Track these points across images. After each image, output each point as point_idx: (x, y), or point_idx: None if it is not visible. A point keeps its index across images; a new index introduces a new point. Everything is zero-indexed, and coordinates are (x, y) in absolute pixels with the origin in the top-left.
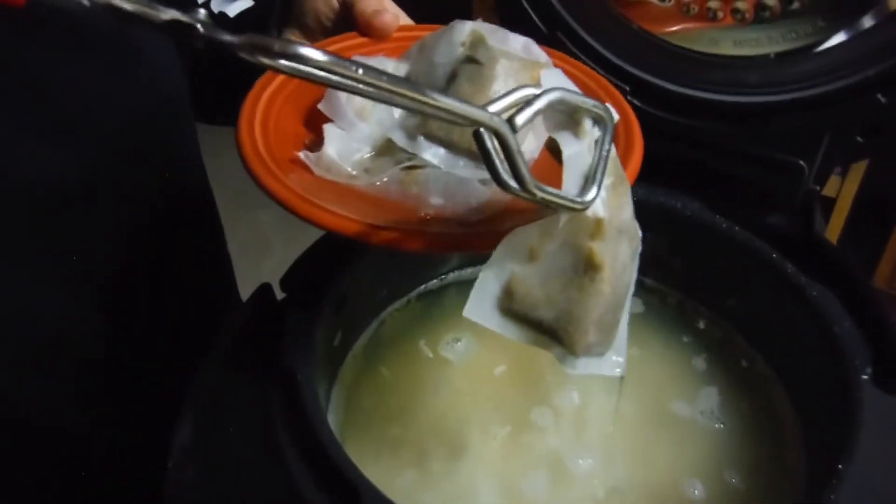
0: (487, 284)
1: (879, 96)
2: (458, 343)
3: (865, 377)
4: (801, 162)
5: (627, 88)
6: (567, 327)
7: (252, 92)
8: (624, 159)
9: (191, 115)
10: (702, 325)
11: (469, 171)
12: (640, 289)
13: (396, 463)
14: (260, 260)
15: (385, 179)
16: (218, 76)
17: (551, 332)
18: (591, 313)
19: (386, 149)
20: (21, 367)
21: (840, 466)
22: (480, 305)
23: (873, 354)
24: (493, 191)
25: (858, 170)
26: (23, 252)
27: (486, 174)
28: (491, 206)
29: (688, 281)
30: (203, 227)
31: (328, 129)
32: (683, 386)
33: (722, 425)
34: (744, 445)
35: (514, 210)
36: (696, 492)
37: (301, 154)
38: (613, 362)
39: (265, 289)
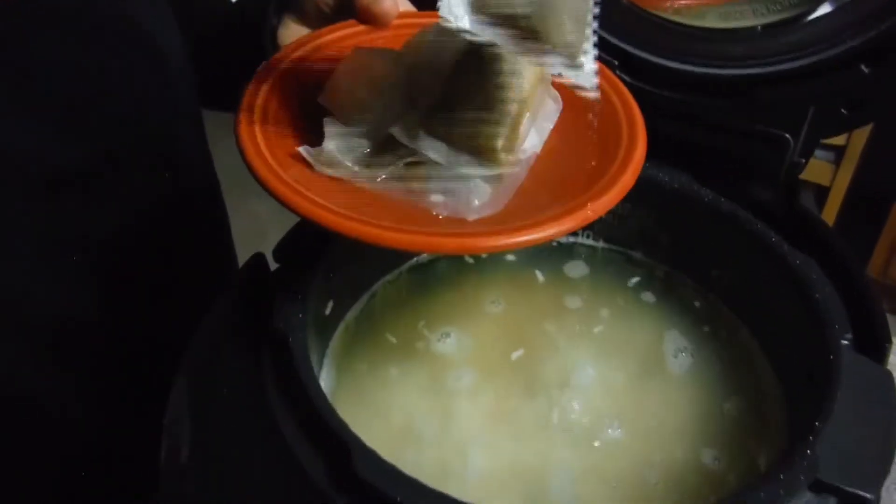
0: None
1: (863, 67)
2: (449, 320)
3: (845, 342)
4: (787, 135)
5: (616, 62)
6: (545, 18)
7: (252, 82)
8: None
9: (196, 99)
10: (688, 296)
11: (471, 169)
12: (629, 263)
13: (387, 428)
14: (256, 250)
15: (386, 175)
16: (221, 61)
17: (528, 27)
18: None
19: (387, 144)
20: (24, 351)
21: (817, 424)
22: (453, 4)
23: (853, 320)
24: (494, 189)
25: (852, 158)
26: (25, 237)
27: (487, 171)
28: (492, 204)
29: (675, 254)
30: (207, 213)
31: (328, 123)
32: (669, 355)
33: (705, 388)
34: (726, 406)
35: (516, 209)
36: (680, 453)
37: (301, 149)
38: (588, 74)
39: (258, 258)
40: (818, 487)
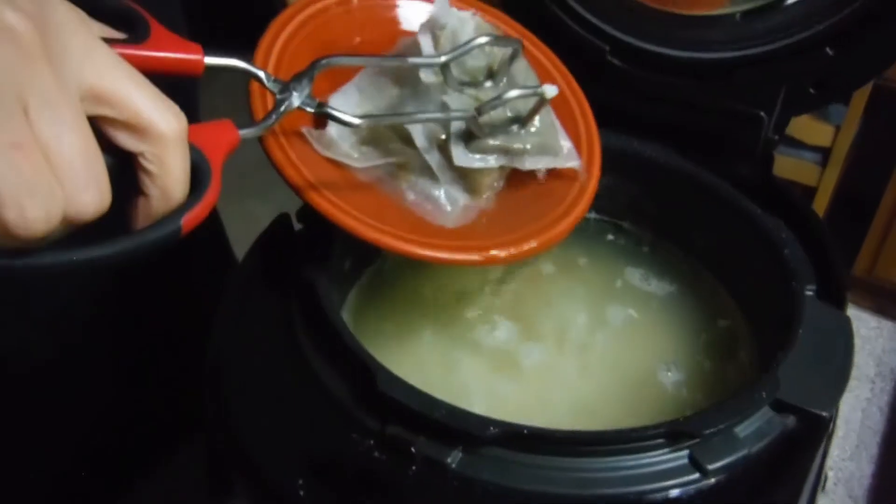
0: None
1: (828, 50)
2: (452, 280)
3: (809, 292)
4: (762, 113)
5: (607, 48)
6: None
7: (265, 39)
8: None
9: (195, 86)
10: (672, 260)
11: (453, 187)
12: (619, 232)
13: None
14: None
15: (379, 166)
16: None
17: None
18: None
19: (384, 138)
20: (43, 334)
21: (780, 353)
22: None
23: (817, 273)
24: (465, 206)
25: (838, 160)
26: None
27: (467, 197)
28: (466, 216)
29: (660, 222)
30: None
31: (334, 100)
32: (655, 309)
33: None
34: (706, 348)
35: (485, 227)
36: (669, 374)
37: (304, 129)
38: (568, 154)
39: (284, 217)
40: (779, 406)
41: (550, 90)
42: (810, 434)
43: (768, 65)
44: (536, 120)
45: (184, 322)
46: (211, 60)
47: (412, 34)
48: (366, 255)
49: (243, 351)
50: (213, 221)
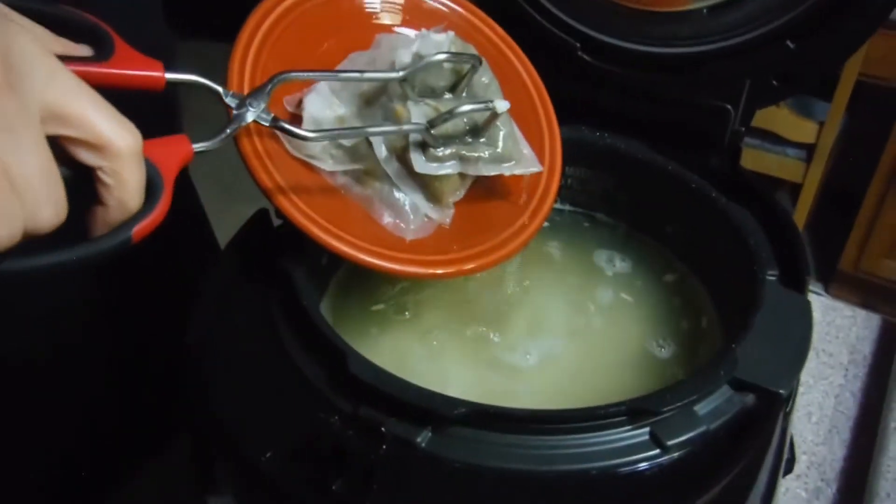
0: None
1: (789, 43)
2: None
3: (772, 277)
4: (728, 106)
5: (577, 45)
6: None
7: (249, 23)
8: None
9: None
10: (645, 250)
11: (417, 199)
12: (593, 222)
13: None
14: None
15: (346, 173)
16: None
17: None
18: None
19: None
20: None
21: (742, 332)
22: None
23: (780, 260)
24: (427, 220)
25: (822, 155)
26: None
27: (430, 209)
28: (428, 225)
29: (633, 213)
30: (188, 215)
31: (308, 108)
32: (631, 293)
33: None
34: (677, 328)
35: (445, 238)
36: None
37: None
38: (529, 158)
39: (262, 213)
40: (737, 384)
41: (501, 105)
42: (768, 411)
43: (733, 59)
44: (494, 130)
45: (174, 320)
46: (171, 76)
47: (389, 28)
48: None
49: (223, 339)
50: (202, 225)
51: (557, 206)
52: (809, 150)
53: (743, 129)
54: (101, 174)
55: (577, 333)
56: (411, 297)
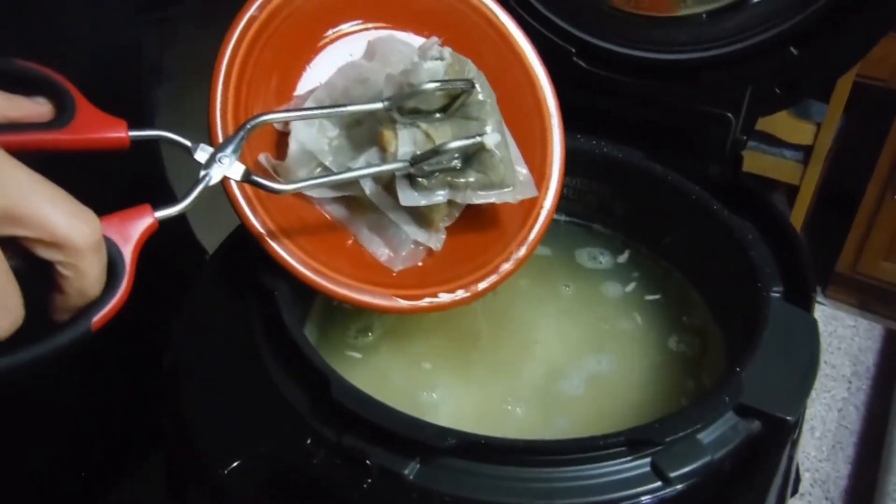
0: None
1: (792, 49)
2: None
3: (776, 294)
4: (729, 114)
5: (573, 50)
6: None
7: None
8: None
9: (150, 78)
10: (644, 262)
11: (409, 228)
12: (589, 233)
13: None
14: None
15: (337, 201)
16: None
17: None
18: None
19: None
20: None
21: (746, 354)
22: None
23: (784, 274)
24: (415, 246)
25: (819, 157)
26: None
27: (421, 236)
28: (417, 255)
29: (630, 224)
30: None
31: (295, 127)
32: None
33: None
34: (677, 347)
35: (435, 269)
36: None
37: (262, 157)
38: (525, 184)
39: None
40: (742, 411)
41: (491, 140)
42: (775, 438)
43: (734, 65)
44: (486, 156)
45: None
46: (136, 134)
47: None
48: None
49: (202, 359)
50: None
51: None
52: (807, 151)
53: (745, 137)
54: (59, 268)
55: (575, 352)
56: (402, 317)
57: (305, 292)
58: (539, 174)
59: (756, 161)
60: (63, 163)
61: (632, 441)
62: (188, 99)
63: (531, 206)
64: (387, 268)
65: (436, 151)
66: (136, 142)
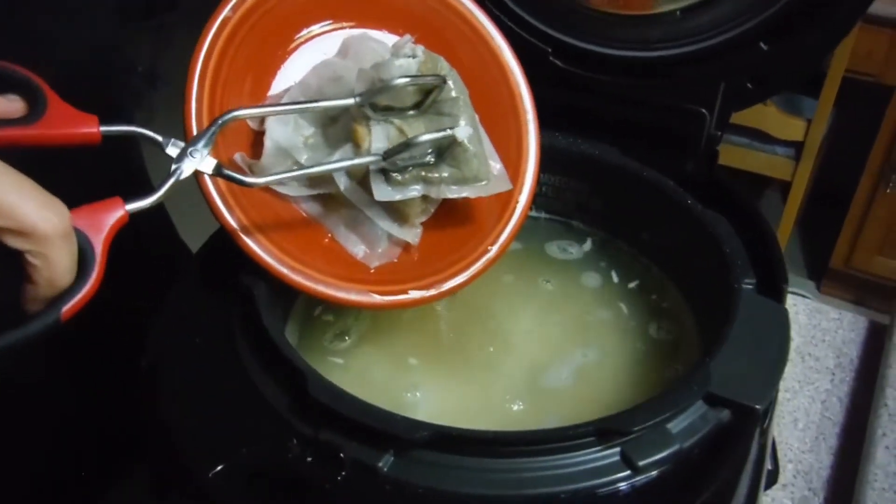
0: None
1: (762, 45)
2: None
3: (748, 285)
4: (703, 110)
5: (549, 50)
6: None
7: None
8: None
9: (128, 78)
10: (622, 257)
11: (385, 223)
12: (570, 231)
13: (346, 379)
14: None
15: (313, 198)
16: None
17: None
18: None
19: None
20: None
21: (716, 344)
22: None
23: (757, 267)
24: (391, 243)
25: (810, 153)
26: None
27: (397, 231)
28: (394, 251)
29: (608, 221)
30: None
31: (270, 125)
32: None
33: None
34: (655, 337)
35: (412, 266)
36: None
37: (237, 156)
38: (499, 178)
39: None
40: (711, 400)
41: (462, 132)
42: (744, 427)
43: (706, 61)
44: (459, 150)
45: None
46: (107, 129)
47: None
48: None
49: (181, 359)
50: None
51: (532, 213)
52: (798, 147)
53: (719, 133)
54: (28, 257)
55: (556, 344)
56: (379, 318)
57: (285, 294)
58: (514, 170)
59: (748, 158)
60: (42, 161)
61: (601, 431)
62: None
63: (506, 201)
64: (363, 265)
65: (407, 144)
66: (113, 139)
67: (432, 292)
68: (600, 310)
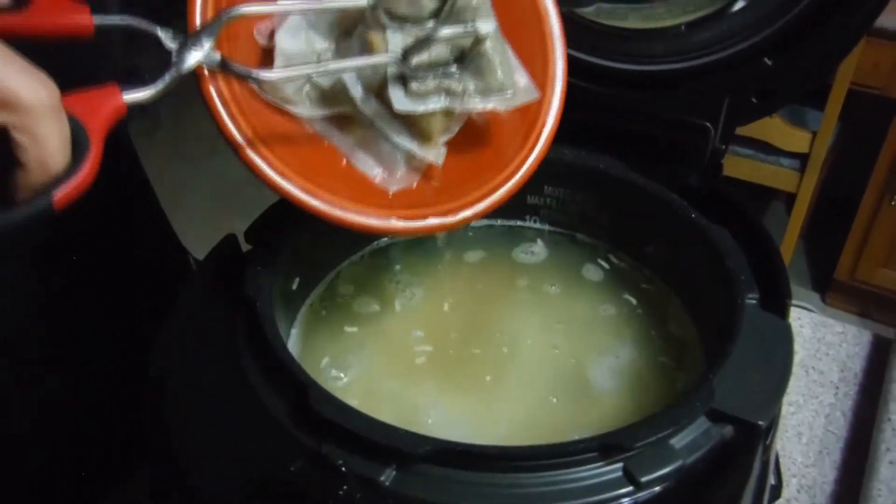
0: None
1: (766, 60)
2: (406, 292)
3: (752, 300)
4: (708, 124)
5: None
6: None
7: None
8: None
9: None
10: (627, 270)
11: (404, 141)
12: (574, 244)
13: (349, 392)
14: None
15: (327, 118)
16: None
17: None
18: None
19: (331, 89)
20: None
21: (719, 360)
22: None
23: (761, 282)
24: (409, 166)
25: (816, 164)
26: None
27: (418, 150)
28: (413, 176)
29: (614, 234)
30: (143, 212)
31: (280, 35)
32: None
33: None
34: (657, 353)
35: (434, 189)
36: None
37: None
38: (526, 87)
39: (230, 238)
40: (714, 416)
41: (484, 27)
42: (747, 443)
43: (711, 76)
44: (482, 58)
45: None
46: (101, 20)
47: None
48: (314, 274)
49: (186, 370)
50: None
51: (537, 225)
52: (803, 159)
53: (724, 146)
54: (13, 133)
55: (561, 355)
56: (387, 319)
57: (291, 299)
58: (540, 87)
59: (753, 170)
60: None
61: (603, 446)
62: (188, 110)
63: (532, 124)
64: (381, 190)
65: (427, 40)
66: (107, 33)
67: (452, 219)
68: (605, 319)
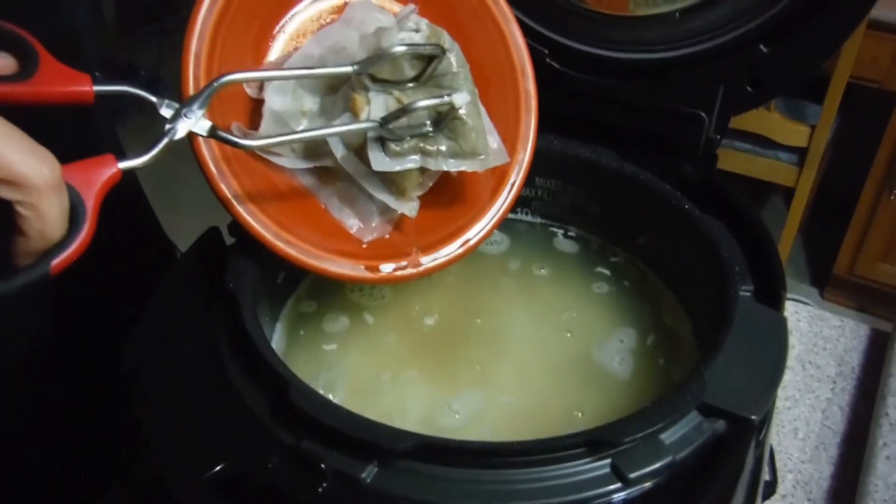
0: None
1: (762, 47)
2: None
3: (746, 292)
4: (702, 113)
5: (546, 52)
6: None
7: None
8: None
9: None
10: (619, 263)
11: (380, 194)
12: (565, 236)
13: (335, 384)
14: None
15: (311, 171)
16: None
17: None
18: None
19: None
20: None
21: (712, 353)
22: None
23: (756, 274)
24: (389, 217)
25: (815, 159)
26: None
27: (394, 203)
28: (387, 227)
29: (605, 225)
30: (130, 207)
31: (269, 94)
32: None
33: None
34: (652, 349)
35: (403, 240)
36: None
37: (234, 126)
38: (498, 151)
39: (213, 231)
40: (706, 410)
41: (459, 99)
42: (739, 438)
43: (705, 64)
44: (458, 123)
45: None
46: (100, 88)
47: None
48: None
49: (162, 363)
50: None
51: (528, 218)
52: (802, 153)
53: (718, 136)
54: (18, 208)
55: (549, 352)
56: (372, 317)
57: (276, 295)
58: (511, 147)
59: (751, 164)
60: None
61: (591, 442)
62: None
63: (501, 177)
64: (356, 239)
65: (405, 110)
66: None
67: (421, 268)
68: (594, 316)
